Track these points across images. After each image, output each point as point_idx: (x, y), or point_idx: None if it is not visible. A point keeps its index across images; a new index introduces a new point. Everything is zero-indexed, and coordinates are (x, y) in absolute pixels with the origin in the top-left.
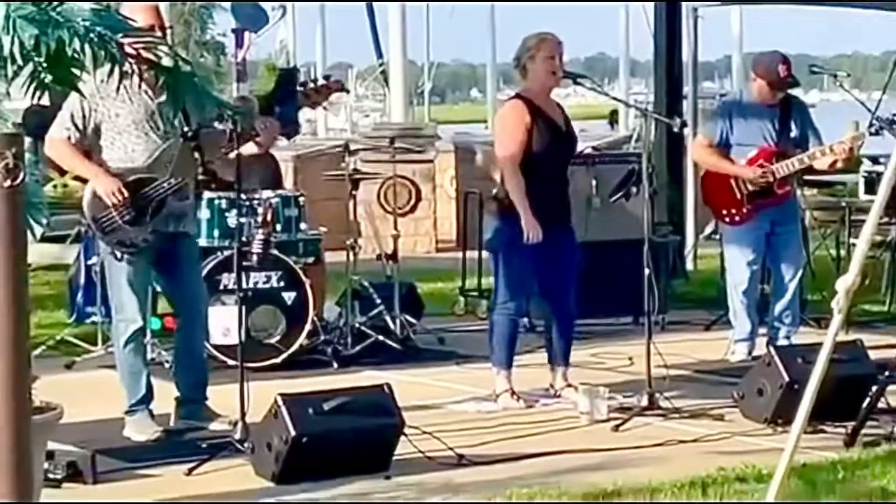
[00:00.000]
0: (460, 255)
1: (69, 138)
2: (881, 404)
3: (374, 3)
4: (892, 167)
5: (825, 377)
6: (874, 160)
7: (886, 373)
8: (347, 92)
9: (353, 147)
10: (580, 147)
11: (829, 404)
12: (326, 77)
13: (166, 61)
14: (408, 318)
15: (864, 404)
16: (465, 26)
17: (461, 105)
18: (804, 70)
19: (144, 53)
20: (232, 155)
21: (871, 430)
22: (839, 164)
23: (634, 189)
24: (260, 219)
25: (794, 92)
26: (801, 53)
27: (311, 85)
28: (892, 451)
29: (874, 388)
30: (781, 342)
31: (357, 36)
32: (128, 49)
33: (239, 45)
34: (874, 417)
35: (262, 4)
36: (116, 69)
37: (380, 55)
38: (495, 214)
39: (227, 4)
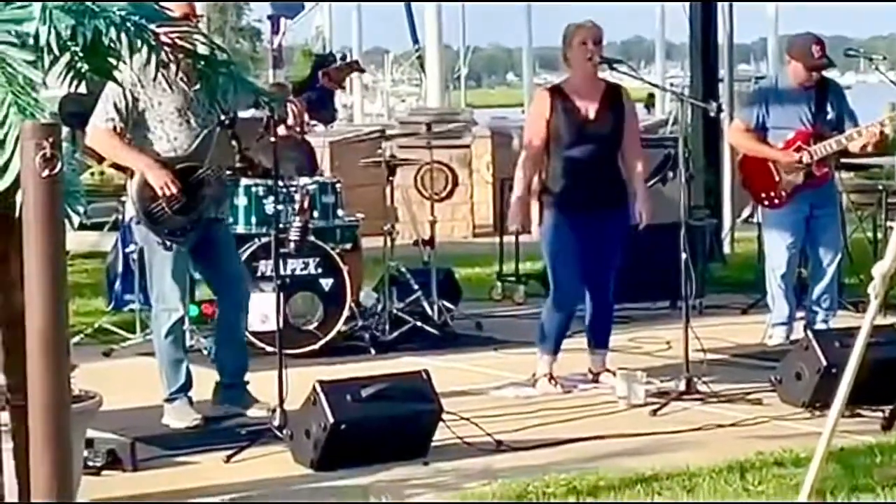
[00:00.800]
0: (497, 240)
1: (114, 128)
2: None
3: None
4: None
5: (862, 361)
6: None
7: None
8: (363, 72)
9: (389, 133)
10: None
11: (867, 388)
12: (343, 57)
13: (202, 49)
14: (445, 303)
15: None
16: (502, 10)
17: (497, 89)
18: (840, 52)
19: (180, 42)
20: (268, 142)
21: None
22: (870, 148)
23: (671, 174)
24: (297, 206)
25: (830, 74)
26: (837, 35)
27: (330, 66)
28: None
29: None
30: (819, 326)
31: (393, 21)
32: (163, 38)
33: (275, 31)
34: None
35: None
36: (153, 58)
37: (416, 40)
38: (538, 203)
39: None
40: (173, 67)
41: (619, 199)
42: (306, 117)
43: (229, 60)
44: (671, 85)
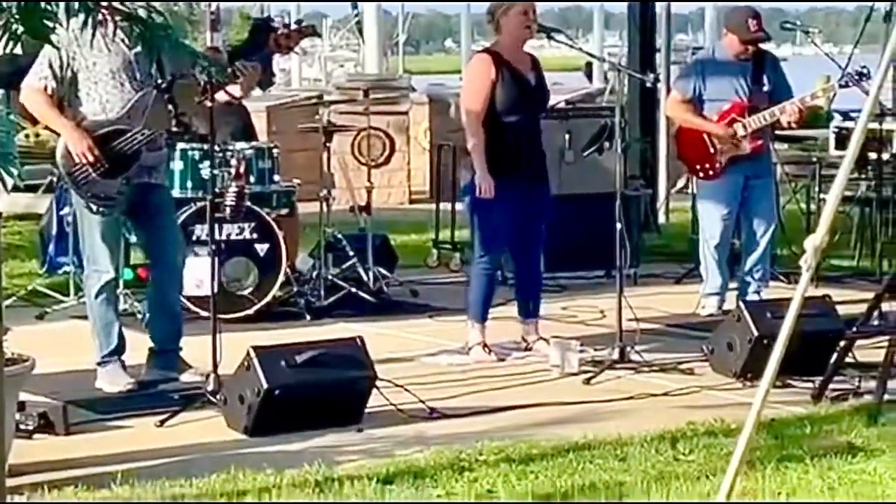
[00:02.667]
0: (433, 206)
1: (45, 88)
2: (848, 359)
3: None
4: (861, 123)
5: (794, 333)
6: (845, 115)
7: (854, 328)
8: (319, 36)
9: (326, 99)
10: (554, 100)
11: (798, 359)
12: (298, 22)
13: (141, 12)
14: (381, 270)
15: (832, 360)
16: None
17: (435, 56)
18: (777, 24)
19: (117, 4)
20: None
21: (838, 385)
22: (792, 123)
23: (607, 144)
24: (233, 171)
25: (767, 46)
26: (775, 7)
27: (283, 30)
28: (859, 406)
29: (841, 344)
30: (751, 297)
31: None
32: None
33: None
34: (842, 372)
35: None
36: (90, 19)
37: (354, 6)
38: (469, 168)
39: None
40: (111, 27)
41: (544, 168)
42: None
43: (167, 24)
44: (609, 55)
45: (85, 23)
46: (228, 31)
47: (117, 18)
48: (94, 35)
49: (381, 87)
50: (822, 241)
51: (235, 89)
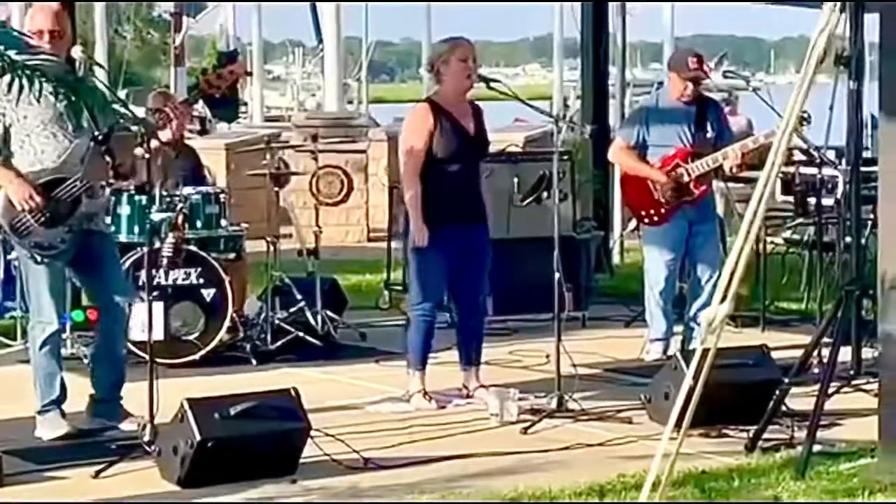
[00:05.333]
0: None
1: None
2: (785, 408)
3: None
4: (764, 175)
5: (730, 382)
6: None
7: (787, 379)
8: (250, 75)
9: (274, 145)
10: (518, 137)
11: (734, 408)
12: (234, 53)
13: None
14: (329, 313)
15: (767, 409)
16: (406, 6)
17: (410, 84)
18: (754, 53)
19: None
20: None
21: (773, 435)
22: (735, 170)
23: (545, 193)
24: (171, 224)
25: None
26: (750, 37)
27: (212, 72)
28: (790, 458)
29: (777, 393)
30: (695, 343)
31: (301, 15)
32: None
33: (177, 29)
34: (777, 421)
35: None
36: (16, 79)
37: (320, 39)
38: (405, 215)
39: None
40: (36, 85)
41: (483, 214)
42: (188, 122)
43: (93, 85)
44: (572, 84)
45: (11, 82)
46: (201, 59)
47: (42, 79)
48: (20, 93)
49: (339, 125)
50: (714, 316)
51: (165, 133)
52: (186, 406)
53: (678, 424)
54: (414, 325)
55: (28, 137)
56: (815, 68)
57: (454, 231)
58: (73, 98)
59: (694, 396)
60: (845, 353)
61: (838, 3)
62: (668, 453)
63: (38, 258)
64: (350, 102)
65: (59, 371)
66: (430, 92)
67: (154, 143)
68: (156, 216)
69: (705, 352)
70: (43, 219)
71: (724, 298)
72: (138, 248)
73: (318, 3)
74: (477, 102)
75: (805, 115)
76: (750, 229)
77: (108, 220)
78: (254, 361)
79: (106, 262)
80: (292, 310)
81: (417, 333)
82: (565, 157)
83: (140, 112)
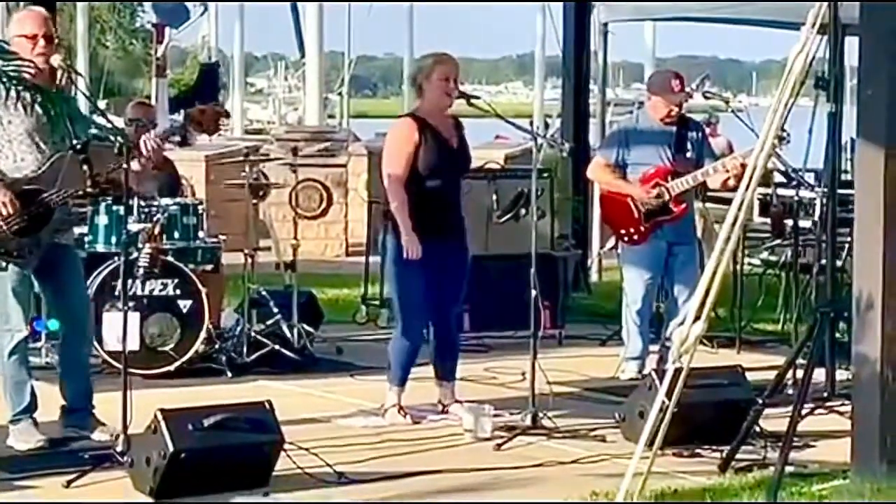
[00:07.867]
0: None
1: None
2: (759, 428)
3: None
4: (738, 196)
5: (704, 401)
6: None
7: (759, 399)
8: (228, 116)
9: (253, 158)
10: (498, 154)
11: (708, 428)
12: (215, 65)
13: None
14: (305, 327)
15: (742, 429)
16: (390, 22)
17: (393, 99)
18: (736, 75)
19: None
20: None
21: (746, 455)
22: (731, 182)
23: (524, 210)
24: (147, 234)
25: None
26: (731, 59)
27: (196, 108)
28: (763, 479)
29: (751, 413)
30: (671, 363)
31: (285, 29)
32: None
33: (159, 40)
34: (751, 442)
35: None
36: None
37: (303, 54)
38: (389, 230)
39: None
40: (14, 95)
41: (463, 231)
42: (166, 144)
43: (67, 96)
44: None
45: None
46: (183, 69)
47: (19, 89)
48: (6, 98)
49: (319, 139)
50: (686, 337)
51: (134, 164)
52: (160, 417)
53: (651, 443)
54: (400, 345)
55: (10, 143)
56: (792, 90)
57: (434, 246)
58: (50, 106)
59: (666, 415)
60: (819, 375)
61: (815, 26)
62: (640, 472)
63: (3, 264)
64: (332, 117)
65: (29, 379)
66: (411, 107)
67: (135, 166)
68: (133, 226)
69: (678, 371)
70: (16, 226)
71: (697, 318)
72: (115, 258)
73: (301, 18)
74: (456, 117)
75: (783, 135)
76: (724, 248)
77: (86, 229)
78: (229, 373)
79: (70, 274)
80: (269, 322)
81: (404, 354)
82: (544, 175)
83: (119, 122)
